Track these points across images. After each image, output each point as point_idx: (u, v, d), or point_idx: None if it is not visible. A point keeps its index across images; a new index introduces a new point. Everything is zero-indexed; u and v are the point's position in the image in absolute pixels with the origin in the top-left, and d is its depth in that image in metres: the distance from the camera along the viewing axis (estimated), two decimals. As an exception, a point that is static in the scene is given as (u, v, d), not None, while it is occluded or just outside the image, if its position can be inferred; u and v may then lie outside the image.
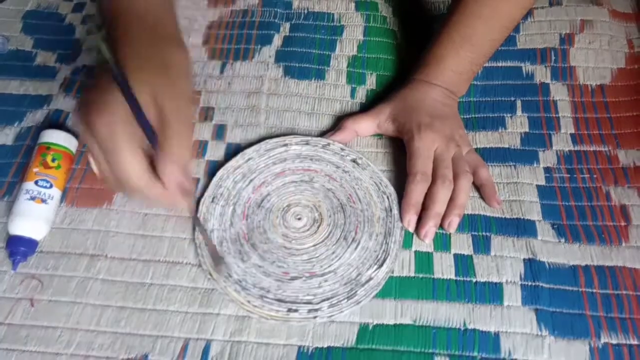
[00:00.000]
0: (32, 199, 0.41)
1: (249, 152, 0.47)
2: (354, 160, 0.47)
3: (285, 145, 0.47)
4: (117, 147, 0.32)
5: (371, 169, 0.46)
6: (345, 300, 0.39)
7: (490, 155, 0.47)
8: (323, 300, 0.39)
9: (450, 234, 0.43)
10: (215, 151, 0.48)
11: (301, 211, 0.44)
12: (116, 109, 0.32)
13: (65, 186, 0.44)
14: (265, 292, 0.40)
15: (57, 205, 0.43)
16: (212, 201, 0.44)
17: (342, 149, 0.47)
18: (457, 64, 0.47)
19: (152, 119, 0.33)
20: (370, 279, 0.40)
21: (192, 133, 0.34)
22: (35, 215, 0.41)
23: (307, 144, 0.47)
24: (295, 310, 0.39)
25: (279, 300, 0.39)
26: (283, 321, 0.38)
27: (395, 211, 0.44)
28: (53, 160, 0.43)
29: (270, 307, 0.39)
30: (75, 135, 0.46)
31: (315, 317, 0.38)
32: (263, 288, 0.40)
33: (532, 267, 0.41)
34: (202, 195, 0.45)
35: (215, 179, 0.45)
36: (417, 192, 0.43)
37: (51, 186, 0.42)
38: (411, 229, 0.43)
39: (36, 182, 0.42)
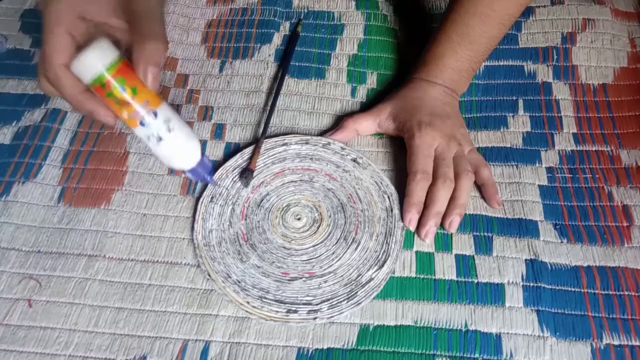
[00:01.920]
0: (160, 139, 0.34)
1: (247, 151, 0.47)
2: (354, 160, 0.46)
3: (285, 144, 0.47)
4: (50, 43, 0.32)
5: (372, 169, 0.46)
6: (346, 301, 0.39)
7: (492, 154, 0.47)
8: (323, 301, 0.39)
9: (451, 234, 0.42)
10: (214, 151, 0.48)
11: (301, 211, 0.44)
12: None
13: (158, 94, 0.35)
14: (264, 292, 0.39)
15: (184, 123, 0.35)
16: (211, 201, 0.44)
17: (343, 149, 0.47)
18: (456, 62, 0.47)
19: (122, 20, 0.33)
20: (371, 279, 0.40)
21: (165, 31, 0.34)
22: (176, 150, 0.35)
23: (306, 143, 0.47)
24: (295, 311, 0.38)
25: (279, 301, 0.39)
26: (282, 322, 0.38)
27: (396, 211, 0.43)
28: (123, 90, 0.32)
29: (270, 308, 0.39)
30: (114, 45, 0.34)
31: (315, 318, 0.38)
32: (262, 289, 0.40)
33: (534, 267, 0.40)
34: (201, 195, 0.44)
35: (214, 179, 0.45)
36: (418, 190, 0.42)
37: (155, 115, 0.33)
38: (412, 228, 0.42)
39: (141, 123, 0.33)
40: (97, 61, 0.31)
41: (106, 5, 0.33)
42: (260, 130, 0.48)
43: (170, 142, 0.34)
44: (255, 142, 0.47)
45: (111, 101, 0.32)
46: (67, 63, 0.32)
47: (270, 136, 0.48)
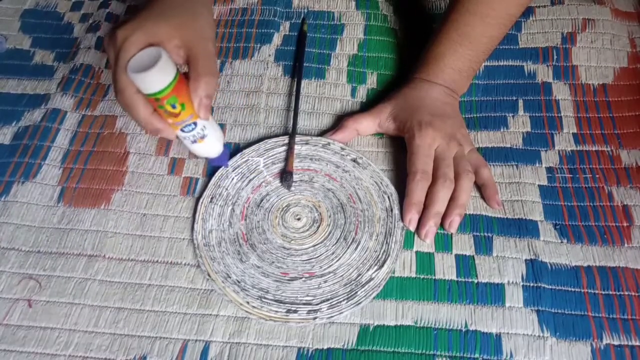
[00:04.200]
0: (194, 142, 0.39)
1: (247, 152, 0.47)
2: (354, 160, 0.46)
3: (285, 145, 0.47)
4: (122, 82, 0.36)
5: (372, 169, 0.46)
6: (345, 301, 0.39)
7: (492, 155, 0.47)
8: (323, 301, 0.39)
9: (451, 234, 0.42)
10: (215, 151, 0.48)
11: (301, 211, 0.44)
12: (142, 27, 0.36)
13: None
14: (264, 292, 0.39)
15: (215, 123, 0.40)
16: (211, 201, 0.44)
17: (342, 149, 0.47)
18: (456, 62, 0.47)
19: (183, 57, 0.38)
20: (371, 279, 0.40)
21: (217, 69, 0.38)
22: (205, 149, 0.40)
23: (306, 143, 0.47)
24: (295, 311, 0.38)
25: (278, 301, 0.39)
26: (282, 322, 0.38)
27: (396, 211, 0.43)
28: (173, 106, 0.36)
29: (270, 308, 0.39)
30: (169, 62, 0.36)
31: (314, 318, 0.38)
32: (262, 289, 0.40)
33: (534, 267, 0.40)
34: (201, 195, 0.44)
35: (214, 179, 0.45)
36: (418, 190, 0.42)
37: (195, 124, 0.37)
38: (412, 228, 0.42)
39: (182, 130, 0.38)
40: (157, 81, 0.34)
41: (171, 47, 0.37)
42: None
43: (201, 144, 0.39)
44: (287, 144, 0.47)
45: (161, 111, 0.36)
46: (138, 91, 0.36)
47: (270, 136, 0.48)
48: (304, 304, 0.39)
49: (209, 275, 0.40)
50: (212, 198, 0.44)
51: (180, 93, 0.36)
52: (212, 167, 0.46)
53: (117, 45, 0.36)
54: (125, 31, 0.36)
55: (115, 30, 0.36)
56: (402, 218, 0.43)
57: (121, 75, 0.36)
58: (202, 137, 0.38)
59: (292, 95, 0.51)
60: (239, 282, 0.40)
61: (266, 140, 0.47)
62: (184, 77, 0.37)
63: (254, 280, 0.40)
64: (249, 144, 0.47)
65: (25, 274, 0.41)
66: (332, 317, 0.38)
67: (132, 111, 0.37)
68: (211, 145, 0.40)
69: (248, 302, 0.39)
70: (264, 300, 0.39)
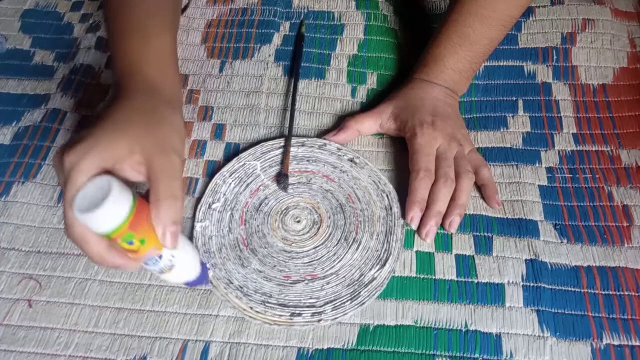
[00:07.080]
0: (163, 272, 0.34)
1: (244, 156, 0.46)
2: (351, 160, 0.46)
3: (282, 147, 0.47)
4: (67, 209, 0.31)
5: (369, 168, 0.46)
6: (349, 302, 0.39)
7: (492, 155, 0.47)
8: (326, 303, 0.39)
9: (451, 234, 0.42)
10: (214, 151, 0.48)
11: (300, 213, 0.44)
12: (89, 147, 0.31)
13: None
14: (267, 297, 0.39)
15: (187, 244, 0.35)
16: (209, 207, 0.44)
17: (339, 149, 0.47)
18: (456, 62, 0.47)
19: (145, 174, 0.33)
20: (374, 279, 0.40)
21: (183, 190, 0.33)
22: (176, 278, 0.35)
23: (302, 145, 0.47)
24: (299, 314, 0.38)
25: (282, 305, 0.39)
26: (287, 326, 0.38)
27: (396, 209, 0.43)
28: (130, 243, 0.31)
29: (273, 312, 0.38)
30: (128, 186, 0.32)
31: (319, 320, 0.38)
32: (265, 293, 0.39)
33: (534, 267, 0.40)
34: (201, 195, 0.44)
35: (211, 185, 0.45)
36: (421, 188, 0.42)
37: (160, 257, 0.33)
38: (414, 225, 0.42)
39: (146, 264, 0.33)
40: (106, 222, 0.29)
41: (131, 164, 0.32)
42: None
43: (170, 275, 0.34)
44: (283, 147, 0.46)
45: (117, 247, 0.32)
46: None
47: (270, 137, 0.48)
48: (308, 306, 0.39)
49: (210, 282, 0.40)
50: (209, 205, 0.44)
51: (138, 227, 0.30)
52: (211, 170, 0.46)
53: (65, 172, 0.31)
54: (73, 156, 0.30)
55: (63, 151, 0.31)
56: (404, 215, 0.43)
57: (68, 209, 0.30)
58: (171, 268, 0.33)
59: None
60: (241, 287, 0.40)
61: (262, 144, 0.47)
62: (145, 203, 0.31)
63: (257, 285, 0.40)
64: (249, 145, 0.47)
65: (26, 274, 0.41)
66: (336, 318, 0.38)
67: (83, 249, 0.31)
68: (183, 273, 0.35)
69: (252, 307, 0.39)
70: (267, 304, 0.39)
